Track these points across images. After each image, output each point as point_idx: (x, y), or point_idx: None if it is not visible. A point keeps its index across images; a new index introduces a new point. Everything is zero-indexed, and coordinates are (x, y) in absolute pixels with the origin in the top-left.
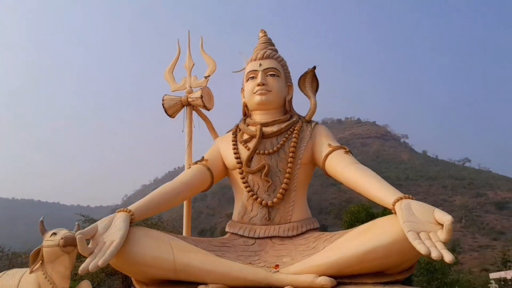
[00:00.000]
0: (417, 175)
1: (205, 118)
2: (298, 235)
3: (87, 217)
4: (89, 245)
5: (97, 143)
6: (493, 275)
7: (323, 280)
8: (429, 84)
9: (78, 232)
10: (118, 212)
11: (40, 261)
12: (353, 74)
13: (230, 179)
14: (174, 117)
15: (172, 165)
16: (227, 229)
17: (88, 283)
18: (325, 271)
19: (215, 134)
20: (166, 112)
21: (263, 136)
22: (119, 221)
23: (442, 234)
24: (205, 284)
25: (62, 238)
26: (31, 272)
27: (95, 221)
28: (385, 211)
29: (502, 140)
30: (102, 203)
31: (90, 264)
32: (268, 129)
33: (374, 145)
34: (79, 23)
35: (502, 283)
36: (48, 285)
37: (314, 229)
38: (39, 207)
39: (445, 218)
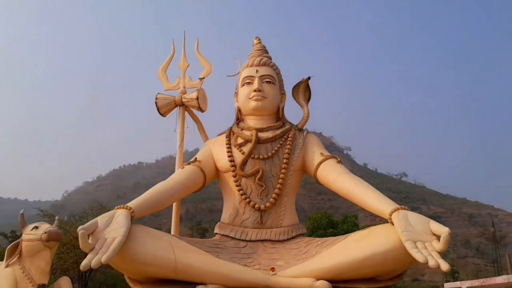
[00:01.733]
0: None
1: (196, 120)
2: (288, 239)
3: (45, 212)
4: (89, 241)
5: (37, 136)
6: (448, 285)
7: (322, 284)
8: (372, 99)
9: (80, 227)
10: (118, 208)
11: (18, 255)
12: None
13: (221, 181)
14: (165, 116)
15: (116, 163)
16: (216, 231)
17: (68, 279)
18: (323, 276)
19: (205, 136)
20: (158, 111)
21: (258, 141)
22: (120, 217)
23: (439, 245)
24: (204, 284)
25: (45, 232)
26: (7, 266)
27: (52, 216)
28: (345, 219)
29: (437, 157)
30: (41, 198)
31: (92, 260)
32: (263, 135)
33: None
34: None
35: None
36: (26, 280)
37: (302, 234)
38: None
39: (443, 229)
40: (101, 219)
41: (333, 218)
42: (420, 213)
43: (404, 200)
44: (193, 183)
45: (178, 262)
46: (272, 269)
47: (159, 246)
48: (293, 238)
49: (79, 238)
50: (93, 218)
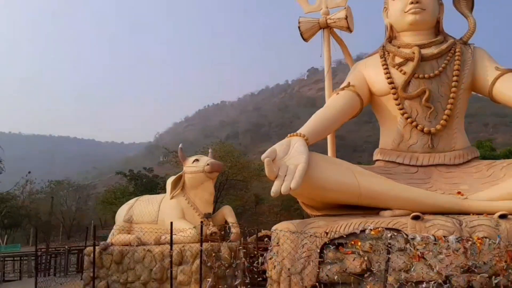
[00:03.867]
0: None
1: (341, 42)
2: (464, 163)
3: (169, 150)
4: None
5: (129, 82)
6: None
7: None
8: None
9: (265, 155)
10: (291, 136)
11: (181, 187)
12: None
13: (376, 106)
14: (308, 41)
15: (202, 103)
16: (378, 157)
17: (230, 207)
18: None
19: (350, 59)
20: (302, 36)
21: (422, 58)
22: (298, 144)
23: None
24: (389, 209)
25: (208, 164)
26: (172, 197)
27: (175, 153)
28: (480, 144)
29: None
30: (135, 140)
31: (282, 186)
32: (426, 51)
33: None
34: None
35: None
36: (191, 210)
37: (477, 157)
38: (75, 143)
39: None
40: (278, 146)
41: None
42: None
43: (511, 125)
44: (351, 108)
45: (362, 187)
46: (459, 193)
47: (341, 172)
48: (468, 161)
49: (266, 166)
50: (205, 154)
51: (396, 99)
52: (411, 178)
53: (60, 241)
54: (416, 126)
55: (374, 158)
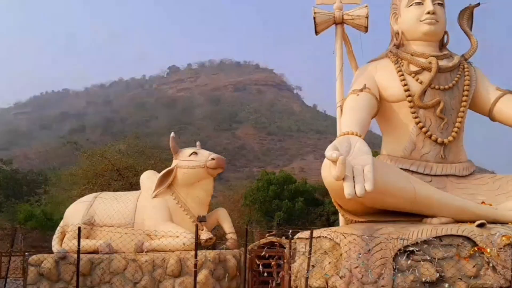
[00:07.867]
0: (307, 128)
1: (348, 43)
2: (469, 175)
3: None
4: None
5: None
6: None
7: None
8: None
9: (336, 153)
10: (346, 134)
11: (169, 184)
12: (256, 19)
13: (384, 111)
14: (319, 34)
15: (38, 89)
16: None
17: (224, 210)
18: None
19: (355, 62)
20: (315, 27)
21: (438, 70)
22: (360, 144)
23: None
24: (434, 217)
25: (213, 159)
26: (155, 196)
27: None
28: None
29: None
30: None
31: (356, 188)
32: (442, 63)
33: (269, 93)
34: None
35: None
36: (181, 211)
37: (475, 170)
38: None
39: None
40: (339, 144)
41: None
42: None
43: None
44: (373, 111)
45: (417, 193)
46: (483, 203)
47: (399, 177)
48: (471, 174)
49: (339, 165)
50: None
51: (411, 107)
52: None
53: None
54: (430, 136)
55: None
